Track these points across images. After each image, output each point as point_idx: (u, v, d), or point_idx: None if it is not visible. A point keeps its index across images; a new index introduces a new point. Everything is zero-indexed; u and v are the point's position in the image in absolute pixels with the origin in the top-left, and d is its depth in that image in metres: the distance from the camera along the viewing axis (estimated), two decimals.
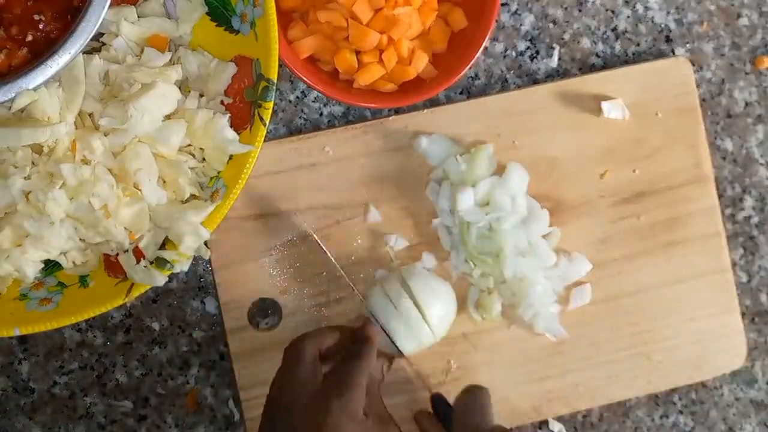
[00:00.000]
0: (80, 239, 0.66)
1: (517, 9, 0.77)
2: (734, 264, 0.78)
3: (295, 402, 0.61)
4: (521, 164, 0.74)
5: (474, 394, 0.70)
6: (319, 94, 0.75)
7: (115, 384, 0.75)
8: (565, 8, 0.77)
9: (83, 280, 0.68)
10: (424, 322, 0.70)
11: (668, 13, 0.78)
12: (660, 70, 0.76)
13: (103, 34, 0.67)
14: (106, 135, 0.64)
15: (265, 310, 0.74)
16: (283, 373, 0.64)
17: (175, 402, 0.75)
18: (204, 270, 0.75)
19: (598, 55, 0.78)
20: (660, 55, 0.78)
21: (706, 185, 0.76)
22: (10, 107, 0.63)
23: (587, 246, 0.75)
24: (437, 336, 0.71)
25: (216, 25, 0.69)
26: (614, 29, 0.78)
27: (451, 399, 0.71)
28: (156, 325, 0.75)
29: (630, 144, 0.76)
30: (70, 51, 0.63)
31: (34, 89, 0.63)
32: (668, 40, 0.78)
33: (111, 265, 0.67)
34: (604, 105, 0.74)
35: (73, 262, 0.67)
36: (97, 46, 0.67)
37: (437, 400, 0.71)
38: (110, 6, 0.63)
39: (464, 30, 0.72)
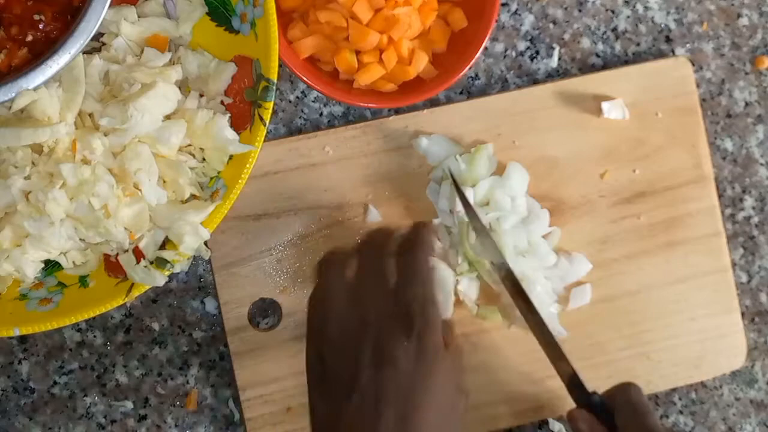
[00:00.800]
0: (80, 239, 0.66)
1: (517, 9, 0.77)
2: (734, 264, 0.78)
3: (377, 297, 0.58)
4: (521, 164, 0.74)
5: (635, 391, 0.67)
6: (319, 94, 0.75)
7: (115, 384, 0.75)
8: (565, 8, 0.77)
9: (83, 280, 0.68)
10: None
11: (668, 13, 0.78)
12: (660, 70, 0.76)
13: (103, 34, 0.67)
14: (106, 135, 0.64)
15: (265, 310, 0.74)
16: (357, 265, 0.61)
17: (175, 402, 0.75)
18: (204, 270, 0.75)
19: (598, 55, 0.78)
20: (660, 55, 0.78)
21: (706, 185, 0.76)
22: (10, 107, 0.63)
23: (587, 246, 0.75)
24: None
25: (216, 25, 0.69)
26: (614, 29, 0.78)
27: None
28: (156, 325, 0.75)
29: (630, 144, 0.76)
30: (70, 51, 0.63)
31: (34, 89, 0.63)
32: (668, 40, 0.78)
33: (111, 265, 0.67)
34: (604, 105, 0.74)
35: (73, 262, 0.67)
36: (97, 46, 0.67)
37: (592, 398, 0.67)
38: (110, 6, 0.63)
39: (464, 30, 0.72)
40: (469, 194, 0.72)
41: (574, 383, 0.67)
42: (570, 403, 0.74)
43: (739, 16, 0.79)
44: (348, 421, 0.55)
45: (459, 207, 0.72)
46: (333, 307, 0.61)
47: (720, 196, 0.78)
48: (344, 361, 0.58)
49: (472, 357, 0.74)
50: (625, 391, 0.67)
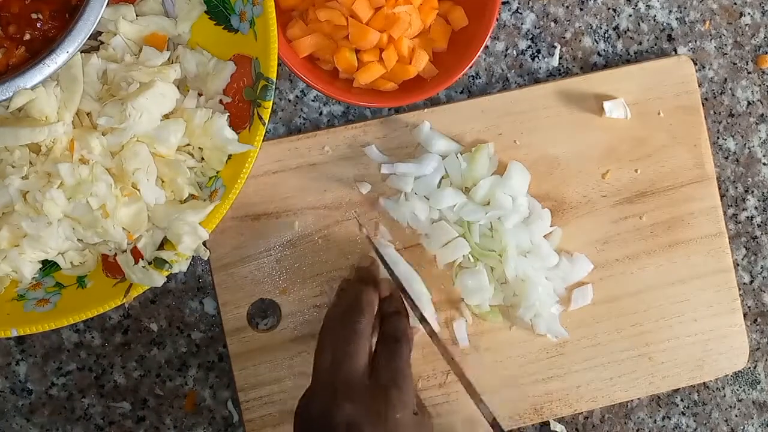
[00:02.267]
0: (78, 239, 0.66)
1: (518, 8, 0.77)
2: (736, 264, 0.78)
3: (351, 384, 0.60)
4: (522, 164, 0.74)
5: None
6: (319, 94, 0.75)
7: (113, 385, 0.74)
8: (567, 7, 0.77)
9: (81, 280, 0.67)
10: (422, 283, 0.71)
11: (670, 11, 0.78)
12: (662, 69, 0.76)
13: (102, 32, 0.67)
14: (104, 134, 0.64)
15: (264, 311, 0.74)
16: (336, 350, 0.63)
17: (173, 403, 0.75)
18: (203, 270, 0.75)
19: (599, 54, 0.77)
20: (662, 54, 0.78)
21: (709, 185, 0.76)
22: (8, 106, 0.63)
23: (589, 246, 0.75)
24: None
25: (215, 24, 0.69)
26: (616, 28, 0.77)
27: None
28: (154, 326, 0.74)
29: (631, 143, 0.75)
30: (68, 50, 0.62)
31: (32, 88, 0.62)
32: (670, 38, 0.78)
33: (109, 265, 0.67)
34: (606, 104, 0.74)
35: (71, 263, 0.67)
36: (95, 44, 0.67)
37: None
38: (108, 4, 0.63)
39: (465, 29, 0.71)
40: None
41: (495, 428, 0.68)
42: (571, 405, 0.74)
43: (741, 14, 0.78)
44: None
45: (440, 204, 0.72)
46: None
47: (722, 196, 0.77)
48: None
49: (473, 358, 0.74)
50: None
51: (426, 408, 0.65)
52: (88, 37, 0.63)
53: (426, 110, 0.74)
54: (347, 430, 0.58)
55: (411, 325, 0.67)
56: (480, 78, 0.77)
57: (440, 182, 0.73)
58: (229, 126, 0.66)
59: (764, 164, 0.79)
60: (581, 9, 0.77)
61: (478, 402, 0.66)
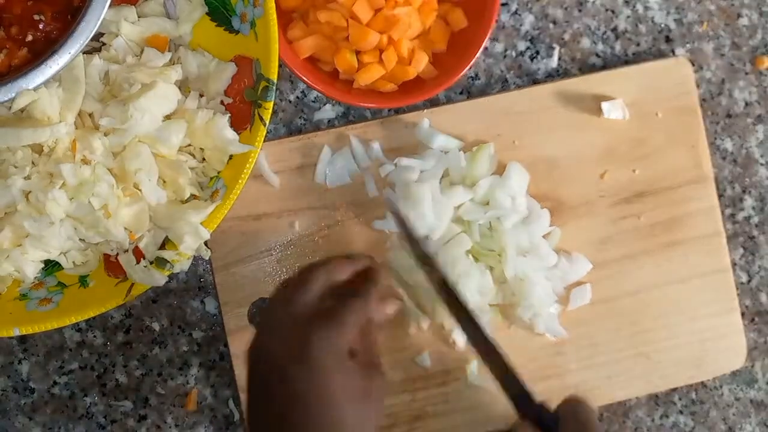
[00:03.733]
0: (80, 239, 0.66)
1: (517, 9, 0.77)
2: (734, 264, 0.78)
3: (283, 324, 0.59)
4: (521, 164, 0.74)
5: (582, 408, 0.64)
6: (319, 95, 0.75)
7: (115, 384, 0.75)
8: (565, 8, 0.77)
9: (83, 280, 0.68)
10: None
11: (668, 13, 0.78)
12: (660, 70, 0.76)
13: (103, 34, 0.67)
14: (106, 135, 0.64)
15: None
16: (286, 290, 0.62)
17: (175, 402, 0.75)
18: (204, 270, 0.75)
19: (598, 55, 0.78)
20: (660, 55, 0.78)
21: (706, 185, 0.76)
22: (10, 107, 0.63)
23: (587, 246, 0.75)
24: None
25: (216, 25, 0.69)
26: (614, 29, 0.78)
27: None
28: (156, 325, 0.75)
29: (630, 144, 0.76)
30: (70, 51, 0.63)
31: (34, 89, 0.63)
32: (668, 40, 0.78)
33: (111, 265, 0.67)
34: (605, 105, 0.74)
35: (73, 262, 0.67)
36: (97, 46, 0.67)
37: (539, 411, 0.64)
38: (110, 6, 0.63)
39: (464, 30, 0.72)
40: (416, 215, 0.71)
41: (520, 394, 0.65)
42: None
43: (739, 16, 0.79)
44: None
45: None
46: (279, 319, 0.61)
47: (720, 196, 0.78)
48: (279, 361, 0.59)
49: (472, 357, 0.74)
50: (572, 406, 0.64)
51: (381, 370, 0.62)
52: (90, 38, 0.63)
53: (426, 111, 0.74)
54: (266, 361, 0.59)
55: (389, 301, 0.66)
56: (479, 79, 0.77)
57: (441, 179, 0.74)
58: (230, 127, 0.66)
59: (762, 165, 0.79)
60: (580, 10, 0.78)
61: (499, 369, 0.64)
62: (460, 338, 0.74)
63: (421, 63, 0.71)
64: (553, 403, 0.65)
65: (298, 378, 0.57)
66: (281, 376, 0.57)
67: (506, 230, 0.72)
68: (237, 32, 0.68)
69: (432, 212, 0.71)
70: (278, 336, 0.59)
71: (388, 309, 0.65)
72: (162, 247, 0.66)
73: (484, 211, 0.72)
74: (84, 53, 0.64)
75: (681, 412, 0.78)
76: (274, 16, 0.65)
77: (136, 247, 0.66)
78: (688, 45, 0.78)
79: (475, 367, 0.74)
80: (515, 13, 0.77)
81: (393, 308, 0.66)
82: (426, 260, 0.67)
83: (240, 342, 0.73)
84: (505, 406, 0.69)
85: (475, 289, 0.72)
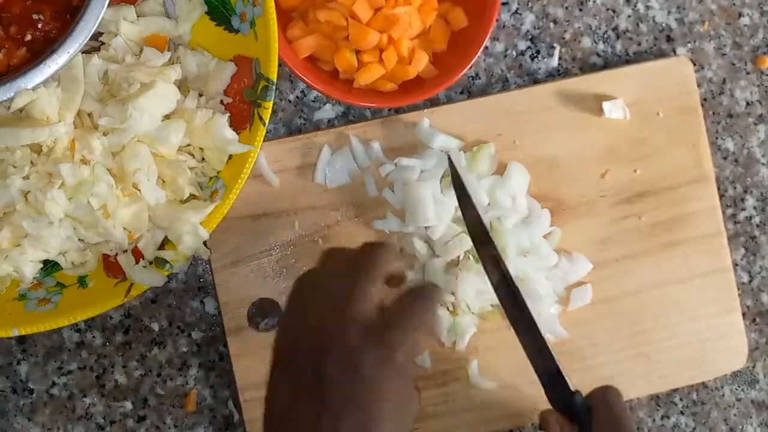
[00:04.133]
0: (79, 239, 0.66)
1: (517, 8, 0.77)
2: (735, 264, 0.78)
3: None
4: (522, 164, 0.74)
5: (613, 394, 0.65)
6: (319, 94, 0.75)
7: (114, 385, 0.74)
8: (566, 7, 0.77)
9: (82, 280, 0.67)
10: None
11: (669, 12, 0.78)
12: (661, 70, 0.76)
13: (102, 33, 0.67)
14: (105, 135, 0.64)
15: (265, 311, 0.74)
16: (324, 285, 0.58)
17: (174, 403, 0.75)
18: (203, 270, 0.75)
19: (598, 55, 0.78)
20: (661, 54, 0.78)
21: (707, 185, 0.76)
22: (9, 107, 0.63)
23: (588, 246, 0.75)
24: None
25: (215, 25, 0.69)
26: (615, 29, 0.78)
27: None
28: (155, 326, 0.75)
29: (631, 144, 0.75)
30: (69, 50, 0.62)
31: (33, 89, 0.62)
32: (669, 39, 0.78)
33: (110, 265, 0.67)
34: (606, 105, 0.74)
35: (72, 263, 0.67)
36: (96, 45, 0.67)
37: (574, 398, 0.65)
38: (109, 5, 0.63)
39: (464, 29, 0.72)
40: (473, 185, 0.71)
41: (555, 381, 0.65)
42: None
43: (740, 15, 0.78)
44: (304, 425, 0.54)
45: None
46: (319, 294, 0.58)
47: (721, 196, 0.77)
48: (315, 354, 0.55)
49: (472, 358, 0.74)
50: (603, 393, 0.66)
51: (419, 389, 0.60)
52: (89, 37, 0.63)
53: (426, 110, 0.74)
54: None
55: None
56: (480, 78, 0.77)
57: (441, 179, 0.73)
58: (230, 126, 0.66)
59: (763, 164, 0.79)
60: (580, 10, 0.77)
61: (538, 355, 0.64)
62: (459, 341, 0.73)
63: (422, 62, 0.71)
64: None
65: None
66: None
67: (506, 230, 0.72)
68: (236, 31, 0.68)
69: (433, 212, 0.71)
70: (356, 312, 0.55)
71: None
72: (161, 247, 0.66)
73: (484, 211, 0.72)
74: (83, 53, 0.64)
75: (682, 413, 0.78)
76: (274, 15, 0.65)
77: (135, 247, 0.66)
78: (689, 44, 0.78)
79: (475, 367, 0.74)
80: (516, 12, 0.77)
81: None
82: (477, 228, 0.66)
83: (239, 343, 0.73)
84: (506, 407, 0.69)
85: (475, 289, 0.72)
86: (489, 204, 0.73)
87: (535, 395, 0.75)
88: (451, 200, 0.71)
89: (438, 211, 0.71)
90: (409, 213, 0.72)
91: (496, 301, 0.73)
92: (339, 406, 0.53)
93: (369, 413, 0.53)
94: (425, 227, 0.72)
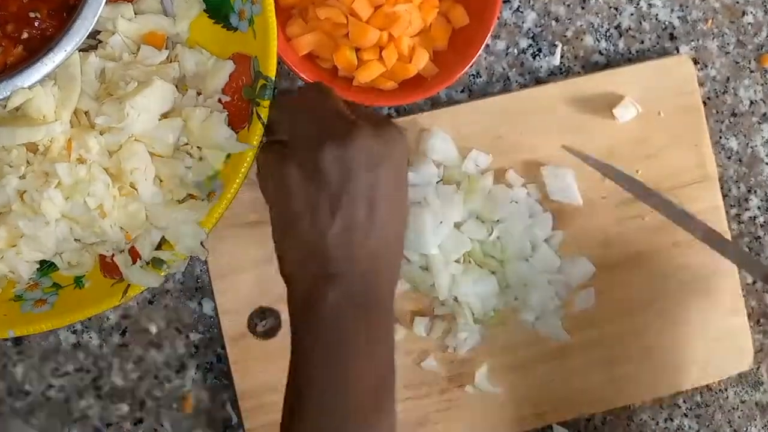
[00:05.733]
0: (75, 239, 0.65)
1: (519, 6, 0.77)
2: None
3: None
4: (522, 164, 0.73)
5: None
6: None
7: (111, 387, 0.74)
8: (568, 5, 0.77)
9: (78, 280, 0.67)
10: None
11: (672, 10, 0.78)
12: (664, 68, 0.75)
13: (100, 31, 0.67)
14: (102, 134, 0.64)
15: (264, 319, 0.74)
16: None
17: (171, 405, 0.74)
18: (201, 271, 0.74)
19: (601, 53, 0.77)
20: (664, 52, 0.77)
21: (711, 185, 0.76)
22: (5, 105, 0.63)
23: (590, 248, 0.75)
24: None
25: (214, 23, 0.68)
26: (617, 27, 0.77)
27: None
28: (152, 327, 0.74)
29: (633, 144, 0.75)
30: (66, 49, 0.62)
31: (30, 87, 0.62)
32: (672, 37, 0.78)
33: (107, 265, 0.67)
34: (616, 111, 0.74)
35: (69, 263, 0.67)
36: (93, 43, 0.67)
37: None
38: (106, 3, 0.63)
39: (465, 27, 0.71)
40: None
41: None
42: (573, 408, 0.74)
43: (744, 13, 0.78)
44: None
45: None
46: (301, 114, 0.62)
47: (725, 195, 0.77)
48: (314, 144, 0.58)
49: (473, 361, 0.74)
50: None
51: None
52: (86, 35, 0.62)
53: (426, 113, 0.74)
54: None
55: None
56: (481, 77, 0.76)
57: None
58: (228, 125, 0.66)
59: (767, 164, 0.79)
60: (582, 8, 0.77)
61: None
62: (461, 345, 0.73)
63: (422, 61, 0.70)
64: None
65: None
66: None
67: (509, 234, 0.72)
68: (235, 29, 0.67)
69: (432, 233, 0.70)
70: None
71: None
72: (158, 247, 0.66)
73: (485, 229, 0.71)
74: (80, 51, 0.63)
75: (686, 415, 0.78)
76: (273, 12, 0.65)
77: (132, 247, 0.65)
78: (692, 43, 0.78)
79: (481, 372, 0.73)
80: (517, 10, 0.77)
81: None
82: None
83: (239, 350, 0.72)
84: (511, 411, 0.69)
85: (477, 294, 0.71)
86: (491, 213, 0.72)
87: (538, 399, 0.74)
88: (450, 219, 0.71)
89: (438, 231, 0.70)
90: (408, 240, 0.72)
91: (498, 306, 0.73)
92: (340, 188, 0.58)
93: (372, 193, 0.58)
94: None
